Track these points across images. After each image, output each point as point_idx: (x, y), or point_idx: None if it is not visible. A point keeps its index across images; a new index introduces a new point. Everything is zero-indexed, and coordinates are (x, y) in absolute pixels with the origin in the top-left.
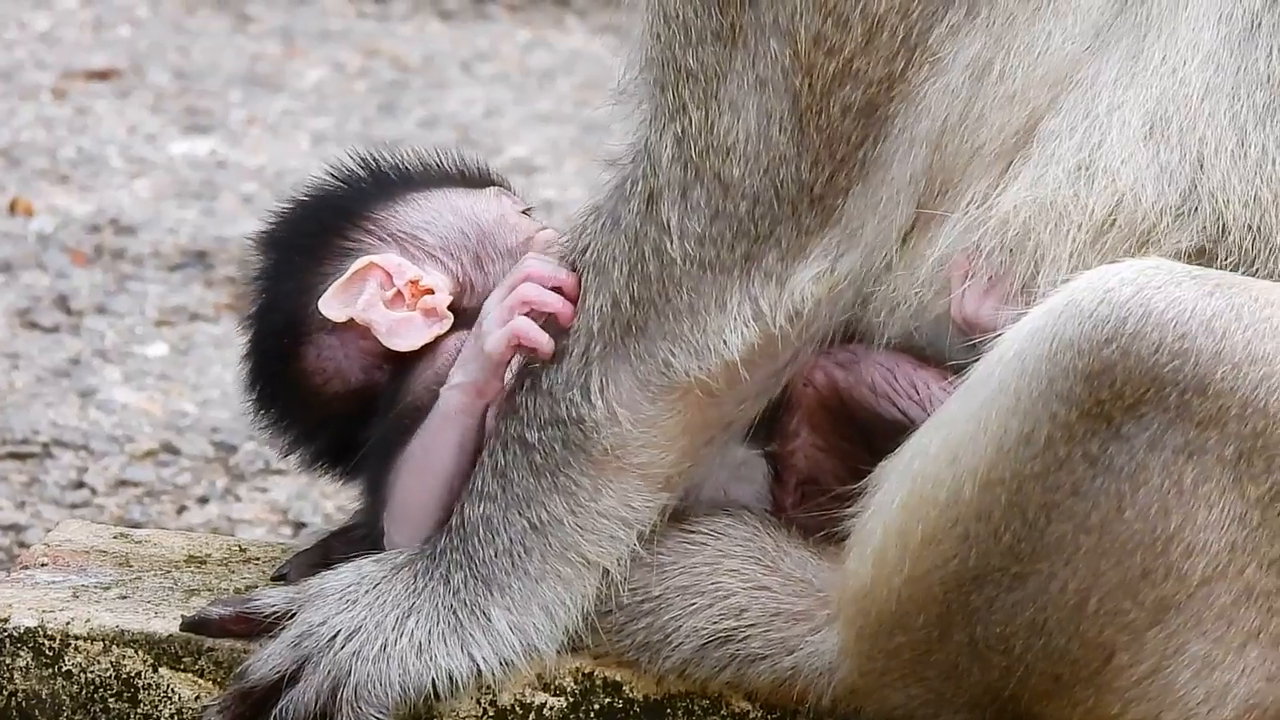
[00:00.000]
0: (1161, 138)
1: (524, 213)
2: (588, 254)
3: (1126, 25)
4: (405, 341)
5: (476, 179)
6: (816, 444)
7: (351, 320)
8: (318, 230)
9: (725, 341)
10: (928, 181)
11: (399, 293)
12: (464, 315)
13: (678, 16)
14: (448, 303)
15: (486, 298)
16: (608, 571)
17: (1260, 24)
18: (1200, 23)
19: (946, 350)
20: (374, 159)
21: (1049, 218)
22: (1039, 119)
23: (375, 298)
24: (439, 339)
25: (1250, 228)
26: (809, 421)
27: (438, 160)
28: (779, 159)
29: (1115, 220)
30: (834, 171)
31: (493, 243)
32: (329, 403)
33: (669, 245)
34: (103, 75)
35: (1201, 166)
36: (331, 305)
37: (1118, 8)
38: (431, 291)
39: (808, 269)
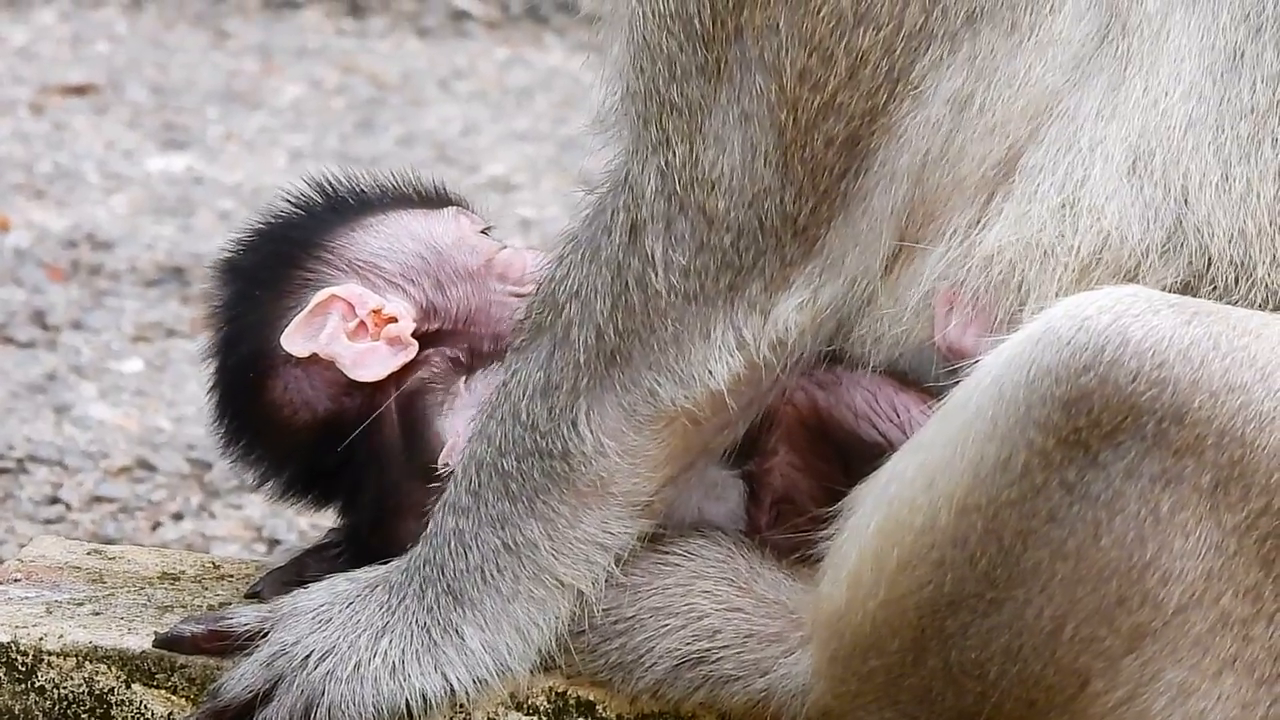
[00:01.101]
0: (1145, 173)
1: (483, 231)
2: (568, 284)
3: (1107, 57)
4: (371, 372)
5: (434, 199)
6: (793, 463)
7: (316, 354)
8: (276, 262)
9: (710, 371)
10: (909, 213)
11: (362, 323)
12: (428, 339)
13: (662, 51)
14: (411, 330)
15: (450, 320)
16: (582, 593)
17: (1243, 55)
18: (1182, 54)
19: (930, 376)
20: (329, 184)
21: (1034, 256)
22: (1020, 151)
23: (338, 330)
24: (401, 374)
25: (1234, 262)
26: (787, 440)
27: (394, 182)
28: (763, 192)
29: (1101, 258)
30: (817, 203)
31: (452, 265)
32: (298, 433)
33: (653, 277)
34: (80, 90)
35: (1186, 201)
36: (294, 341)
37: (1098, 40)
38: (395, 320)
39: (790, 299)
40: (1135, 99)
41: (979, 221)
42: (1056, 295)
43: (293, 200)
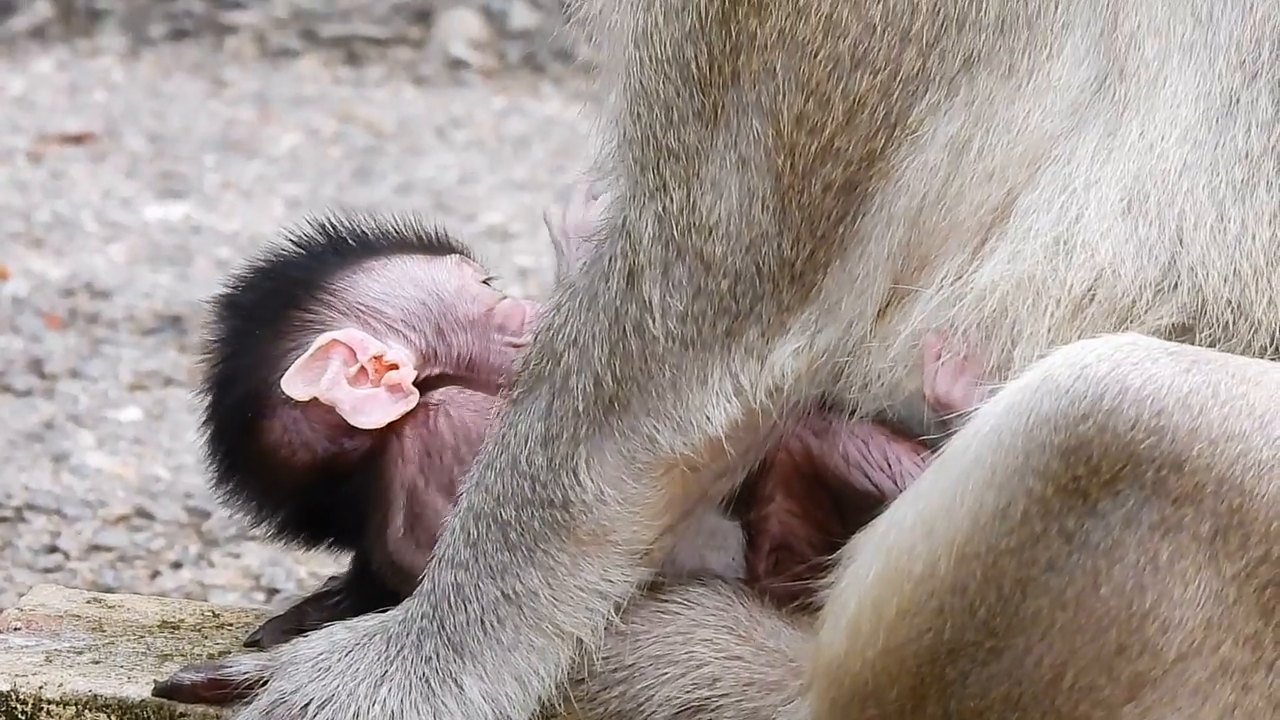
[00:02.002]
0: (1140, 213)
1: (485, 281)
2: (566, 332)
3: (1105, 102)
4: (371, 419)
5: (436, 246)
6: (790, 509)
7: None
8: (277, 302)
9: (708, 417)
10: (905, 258)
11: (363, 369)
12: (427, 386)
13: (659, 96)
14: (413, 378)
15: (450, 368)
16: (582, 641)
17: (1239, 100)
18: (1178, 99)
19: (920, 426)
20: (332, 226)
21: (1026, 293)
22: (1017, 196)
23: (339, 375)
24: (404, 420)
25: (1230, 303)
26: (783, 487)
27: (396, 228)
28: (761, 237)
29: (1095, 296)
30: (814, 248)
31: (454, 313)
32: (295, 474)
33: (651, 323)
34: (78, 139)
35: (1181, 242)
36: (294, 384)
37: (1096, 85)
38: (396, 367)
39: (787, 344)
40: (1131, 142)
41: (971, 263)
42: (1049, 334)
43: (294, 240)
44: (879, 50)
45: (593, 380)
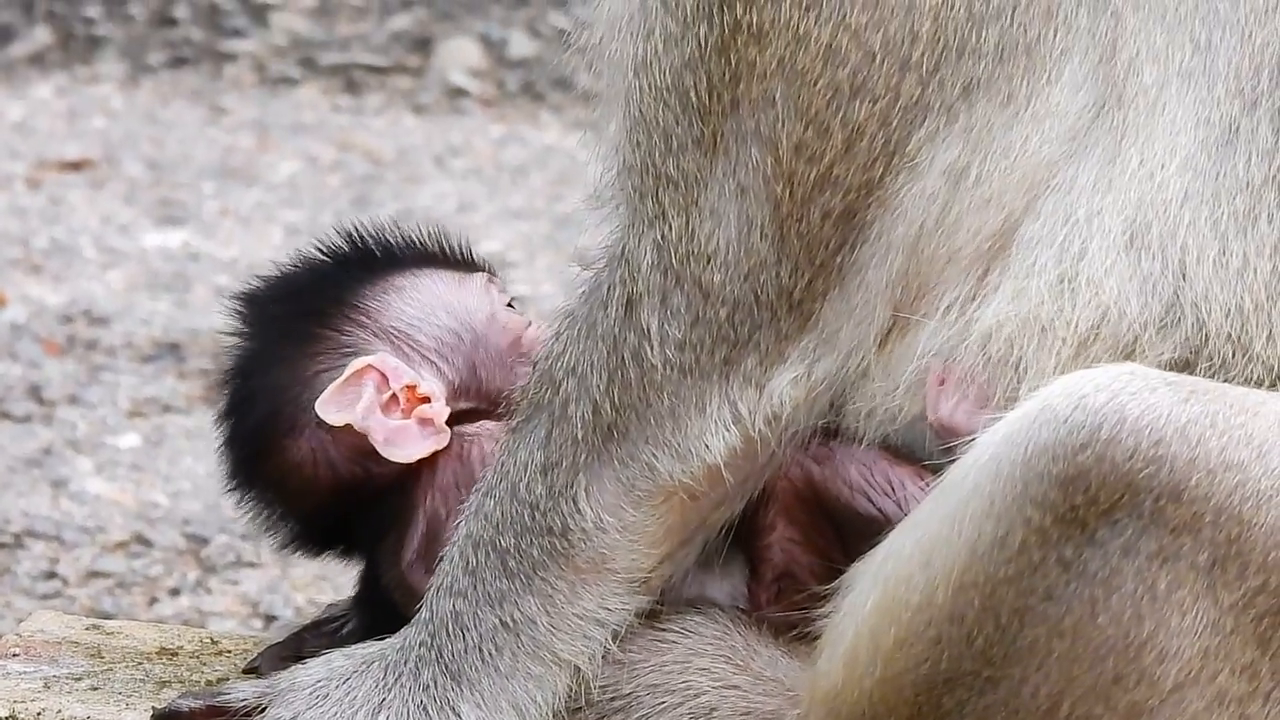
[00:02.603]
0: (1143, 245)
1: (509, 305)
2: (565, 361)
3: (1104, 128)
4: (402, 453)
5: (462, 262)
6: (792, 537)
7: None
8: (307, 318)
9: (707, 445)
10: (904, 286)
11: (394, 397)
12: (457, 419)
13: (658, 124)
14: (445, 415)
15: (479, 401)
16: (579, 669)
17: (1239, 129)
18: (1178, 127)
19: (923, 453)
20: (359, 236)
21: (1032, 332)
22: (1016, 223)
23: (373, 404)
24: (437, 452)
25: (1231, 337)
26: (785, 514)
27: (422, 240)
28: (759, 265)
29: (1099, 333)
30: (813, 276)
31: (486, 345)
32: (318, 494)
33: (649, 351)
34: (76, 166)
35: (1184, 276)
36: (328, 409)
37: (1095, 111)
38: (428, 400)
39: (785, 373)
40: (1131, 171)
41: (975, 297)
42: (1055, 371)
43: (323, 250)
44: (878, 79)
45: (591, 408)
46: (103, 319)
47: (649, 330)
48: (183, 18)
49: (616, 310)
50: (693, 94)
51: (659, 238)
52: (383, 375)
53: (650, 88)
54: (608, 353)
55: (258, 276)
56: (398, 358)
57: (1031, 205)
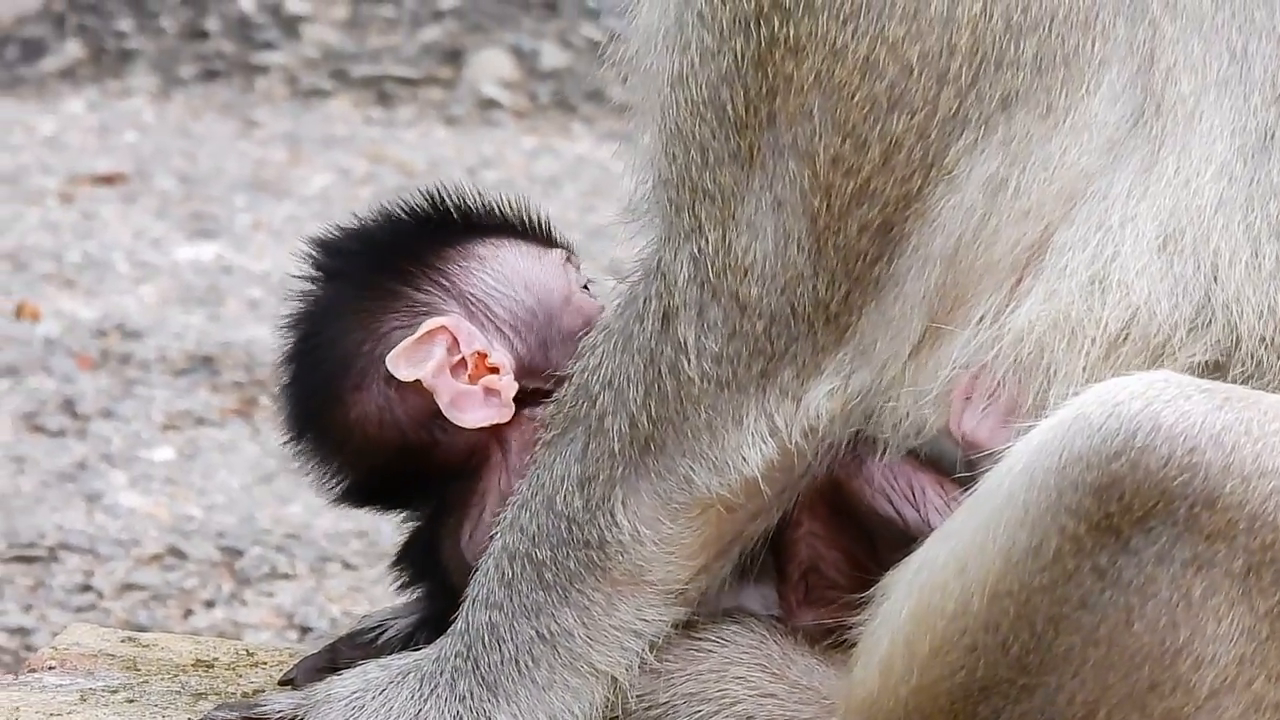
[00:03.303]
0: (1175, 249)
1: (585, 286)
2: (601, 374)
3: (1141, 138)
4: (465, 417)
5: (542, 237)
6: (816, 532)
7: (416, 381)
8: (388, 273)
9: (744, 458)
10: (941, 298)
11: (463, 360)
12: (525, 397)
13: (694, 138)
14: (514, 391)
15: (545, 382)
16: (616, 680)
17: (1274, 136)
18: (1214, 135)
19: (950, 463)
20: (442, 199)
21: (1062, 332)
22: (1053, 233)
23: (443, 364)
24: (507, 425)
25: (1264, 340)
26: (809, 510)
27: (503, 210)
28: (796, 278)
29: (1129, 334)
30: (850, 289)
31: (559, 325)
32: (380, 451)
33: (686, 364)
34: (108, 180)
35: (1216, 279)
36: (400, 364)
37: (1132, 121)
38: (497, 371)
39: (822, 385)
40: (1167, 179)
41: (1008, 305)
42: (1084, 373)
43: (405, 209)
44: (916, 91)
45: (628, 421)
46: (136, 333)
47: (686, 343)
48: (214, 30)
49: (653, 323)
50: (729, 108)
51: (696, 251)
52: (454, 339)
53: (687, 101)
54: (644, 366)
55: (336, 227)
56: (472, 323)
57: (1069, 215)
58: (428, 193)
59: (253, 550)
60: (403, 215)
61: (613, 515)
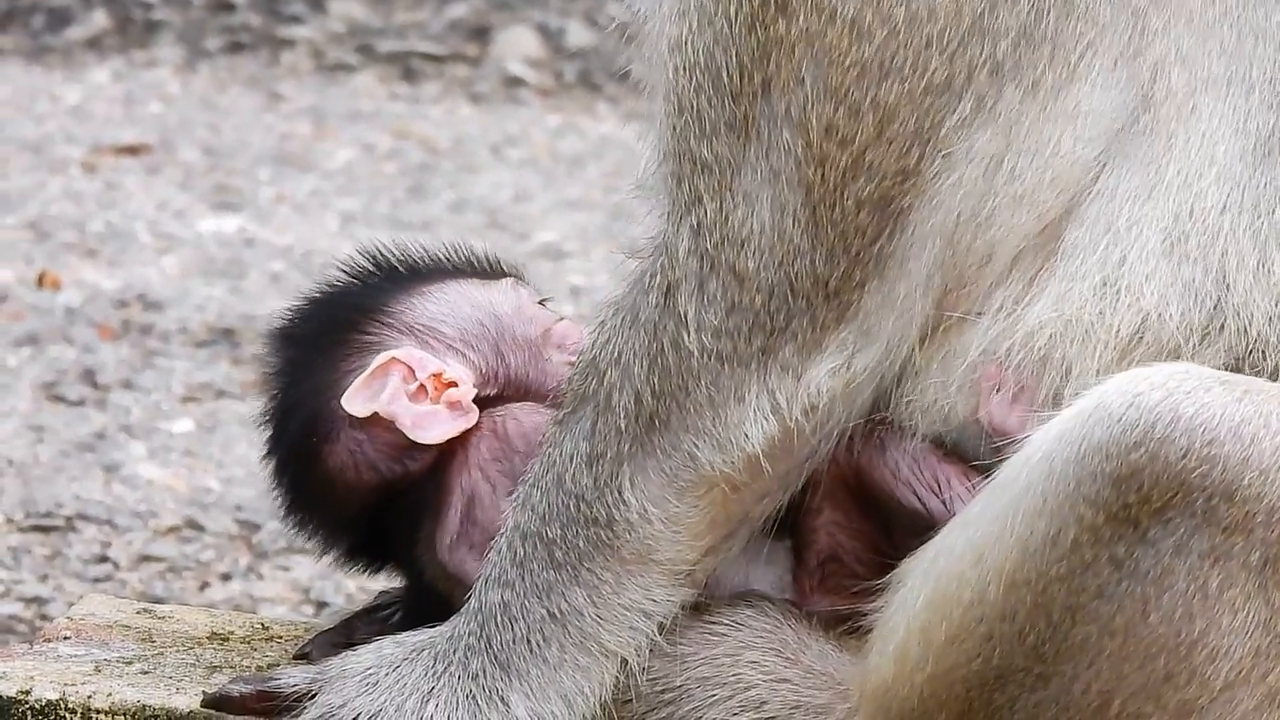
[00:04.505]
0: (1182, 255)
1: (541, 303)
2: (609, 351)
3: (1138, 134)
4: (431, 435)
5: (489, 271)
6: (838, 521)
7: (376, 415)
8: (334, 327)
9: (746, 434)
10: (943, 279)
11: (422, 387)
12: (488, 404)
13: (692, 108)
14: (472, 395)
15: (508, 387)
16: (626, 661)
17: (1275, 138)
18: (1214, 137)
19: (975, 453)
20: (383, 253)
21: (1075, 334)
22: (1058, 228)
23: (398, 392)
24: (468, 432)
25: (1276, 345)
26: (831, 499)
27: (448, 253)
28: (793, 251)
29: (1142, 338)
30: (849, 267)
31: (512, 333)
32: (362, 496)
33: (686, 338)
34: (132, 151)
35: (1225, 284)
36: (354, 401)
37: (1127, 115)
38: (455, 384)
39: (824, 363)
40: (1169, 180)
41: (1023, 298)
42: (1098, 374)
43: (347, 268)
44: (905, 57)
45: (633, 397)
46: (157, 304)
47: (686, 317)
48: (240, 3)
49: (657, 297)
50: (724, 74)
51: (695, 223)
52: (409, 368)
53: (685, 69)
54: (648, 340)
55: (289, 306)
56: (423, 350)
57: (1073, 211)
58: (368, 252)
59: (270, 524)
60: (347, 276)
61: (620, 493)
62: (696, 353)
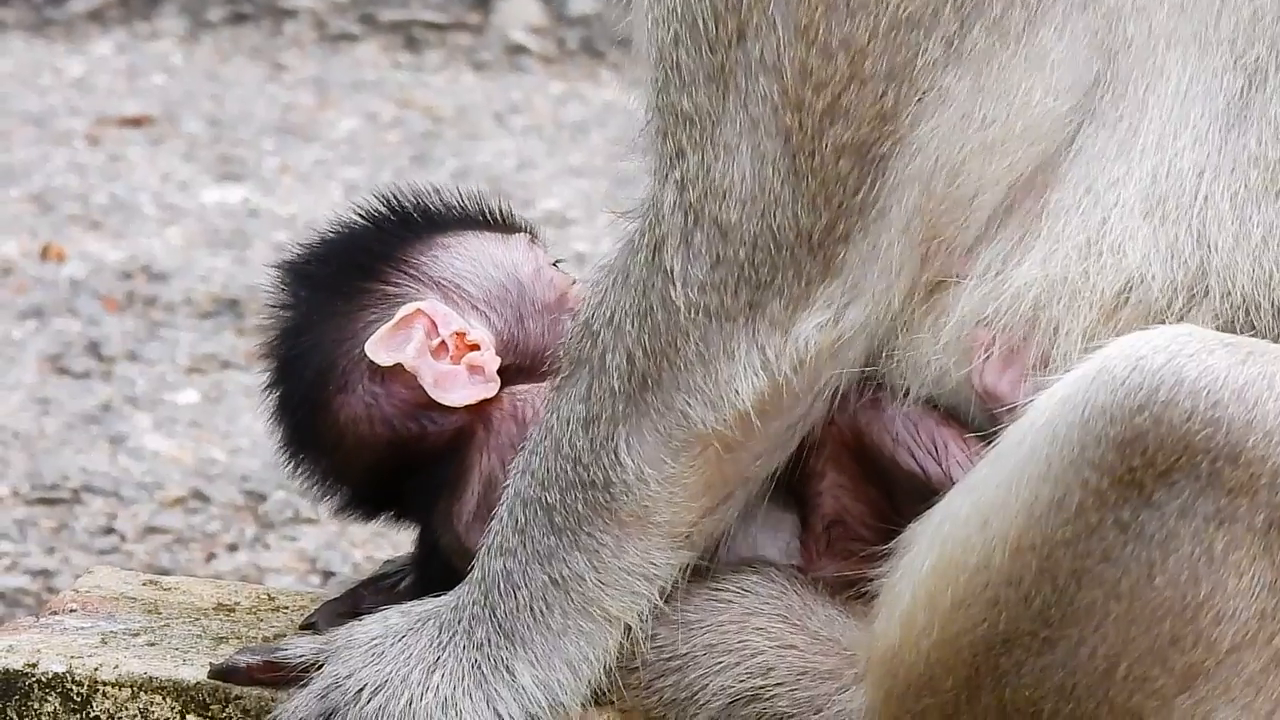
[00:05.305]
0: (1161, 217)
1: (554, 264)
2: (601, 312)
3: (1108, 90)
4: (450, 396)
5: (503, 224)
6: (842, 484)
7: (396, 367)
8: (355, 274)
9: (737, 390)
10: (924, 232)
11: (443, 343)
12: (508, 374)
13: (672, 60)
14: (496, 365)
15: (527, 356)
16: (630, 627)
17: (1244, 98)
18: (1183, 95)
19: (968, 417)
20: (399, 200)
21: (1061, 296)
22: (1023, 176)
23: (423, 346)
24: (489, 403)
25: (1259, 307)
26: (834, 462)
27: (462, 203)
28: (774, 202)
29: (1128, 300)
30: (831, 218)
31: (532, 298)
32: (374, 451)
33: (673, 293)
34: (136, 122)
35: (1206, 246)
36: (379, 350)
37: (1095, 69)
38: (477, 347)
39: (811, 319)
40: (1144, 142)
41: (1009, 259)
42: (1085, 337)
43: (363, 214)
44: None
45: (626, 357)
46: (162, 275)
47: (673, 272)
48: None
49: (645, 255)
50: (700, 23)
51: (679, 177)
52: (432, 322)
53: (663, 21)
54: (638, 298)
55: (300, 244)
56: (448, 306)
57: (1052, 169)
58: (384, 197)
59: (276, 494)
60: (363, 220)
61: (616, 454)
62: (684, 308)
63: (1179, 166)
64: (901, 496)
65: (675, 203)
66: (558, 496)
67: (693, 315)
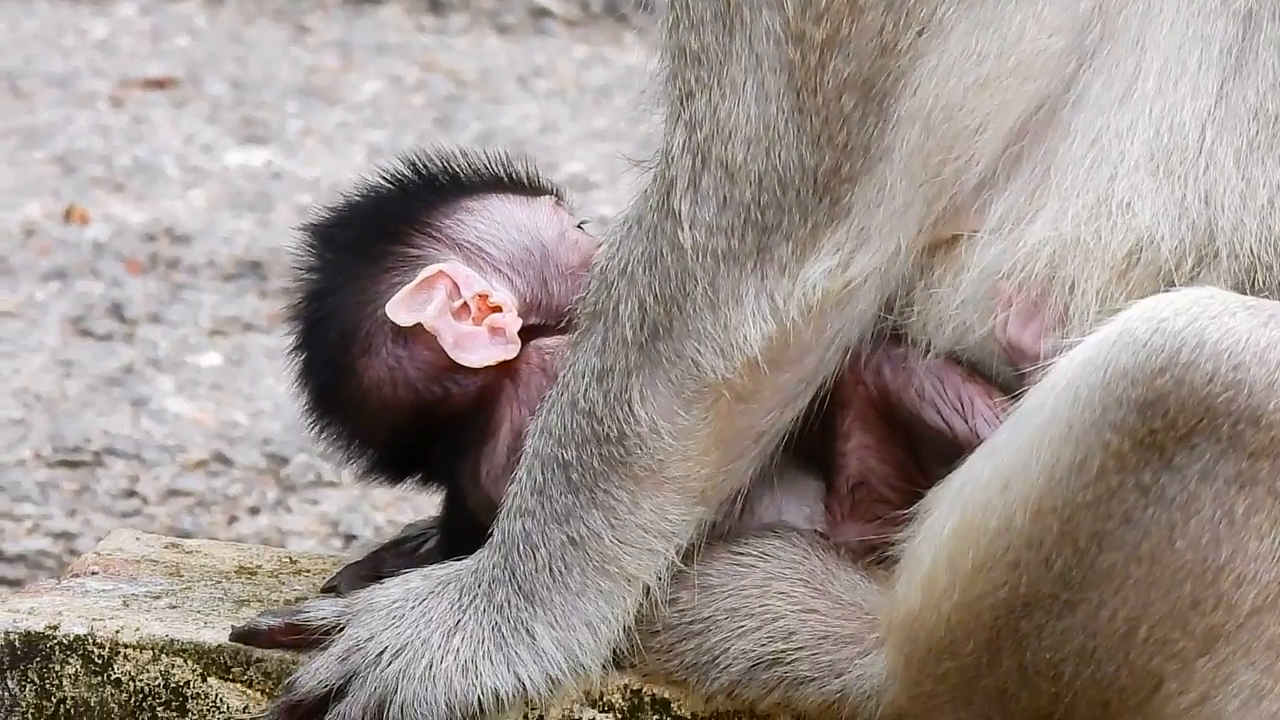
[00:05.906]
0: (1167, 171)
1: (579, 226)
2: (616, 262)
3: (1101, 29)
4: (470, 357)
5: (528, 186)
6: (867, 445)
7: (418, 328)
8: (379, 237)
9: (745, 336)
10: (927, 172)
11: (465, 305)
12: (531, 335)
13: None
14: (517, 327)
15: (550, 318)
16: (649, 588)
17: (1241, 51)
18: (1181, 43)
19: (993, 373)
20: (424, 162)
21: (1075, 254)
22: (1021, 118)
23: (444, 307)
24: (515, 359)
25: (1270, 267)
26: (860, 421)
27: (488, 165)
28: (778, 140)
29: (1139, 259)
30: (836, 159)
31: (556, 261)
32: (397, 414)
33: (681, 236)
34: (160, 84)
35: (1212, 206)
36: (399, 310)
37: (1086, 12)
38: (499, 309)
39: (820, 263)
40: (1142, 84)
41: (1023, 215)
42: (1099, 294)
43: (388, 177)
44: None
45: (638, 304)
46: (185, 238)
47: (681, 215)
48: None
49: (655, 200)
50: None
51: (688, 119)
52: (454, 283)
53: None
54: (649, 244)
55: (325, 208)
56: (470, 268)
57: (1052, 111)
58: (409, 159)
59: (298, 458)
60: (387, 183)
61: (630, 407)
62: (691, 251)
63: (1180, 119)
64: (927, 457)
65: (684, 144)
66: (574, 453)
67: (701, 258)
